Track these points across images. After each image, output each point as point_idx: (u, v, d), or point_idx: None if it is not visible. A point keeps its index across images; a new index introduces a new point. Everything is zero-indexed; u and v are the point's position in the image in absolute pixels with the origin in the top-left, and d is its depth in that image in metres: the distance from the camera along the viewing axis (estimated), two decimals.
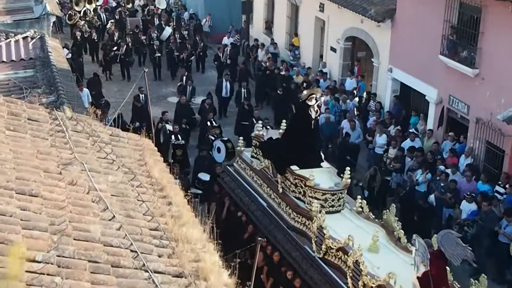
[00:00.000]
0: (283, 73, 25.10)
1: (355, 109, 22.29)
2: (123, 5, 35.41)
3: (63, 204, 6.30)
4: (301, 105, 13.64)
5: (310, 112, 13.41)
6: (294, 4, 28.14)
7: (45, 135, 7.76)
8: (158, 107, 22.72)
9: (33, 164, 6.90)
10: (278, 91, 23.28)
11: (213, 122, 20.87)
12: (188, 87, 24.03)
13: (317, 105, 13.81)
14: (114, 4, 36.67)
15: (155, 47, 28.35)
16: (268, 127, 18.85)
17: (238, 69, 27.50)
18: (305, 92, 13.81)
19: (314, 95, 13.52)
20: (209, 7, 33.77)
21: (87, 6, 32.73)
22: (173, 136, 19.31)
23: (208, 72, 29.37)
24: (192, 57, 28.75)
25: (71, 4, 33.27)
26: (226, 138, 19.36)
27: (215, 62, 28.57)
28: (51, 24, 19.56)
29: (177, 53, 28.06)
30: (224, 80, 24.66)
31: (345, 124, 20.67)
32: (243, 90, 23.75)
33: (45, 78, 13.79)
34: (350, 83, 23.78)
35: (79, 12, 32.41)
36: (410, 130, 19.81)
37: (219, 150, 19.05)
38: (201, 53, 29.22)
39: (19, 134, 7.53)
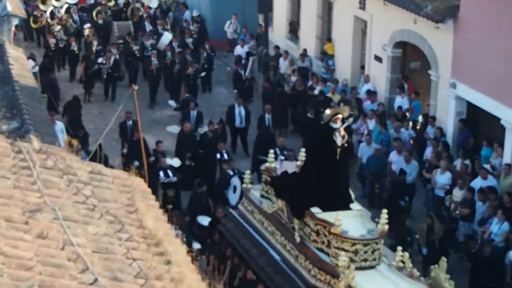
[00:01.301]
0: (316, 92, 25.03)
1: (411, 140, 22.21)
2: (103, 3, 34.78)
3: (30, 263, 6.30)
4: (323, 129, 13.68)
5: (334, 138, 13.45)
6: (326, 0, 28.30)
7: (6, 173, 7.80)
8: (151, 136, 22.81)
9: None
10: (309, 114, 23.30)
11: (224, 155, 20.93)
12: (191, 111, 23.99)
13: (344, 128, 13.84)
14: (92, 0, 35.99)
15: (152, 59, 27.94)
16: (285, 158, 18.82)
17: (253, 86, 27.49)
18: (328, 111, 13.85)
19: (339, 116, 13.56)
20: (215, 4, 33.98)
21: (54, 3, 32.41)
22: (161, 172, 19.35)
23: (216, 89, 29.41)
24: (203, 74, 28.44)
25: (37, 2, 32.96)
26: None
27: (236, 84, 28.02)
28: (13, 28, 19.77)
29: (179, 67, 27.66)
30: (236, 104, 24.25)
31: (394, 157, 20.61)
32: (267, 115, 23.74)
33: (5, 98, 13.90)
34: (401, 103, 23.76)
35: (46, 12, 32.26)
36: (483, 165, 19.70)
37: (235, 189, 19.13)
38: (205, 66, 29.03)
39: None
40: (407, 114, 23.26)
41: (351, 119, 20.71)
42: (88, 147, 20.25)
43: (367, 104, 23.95)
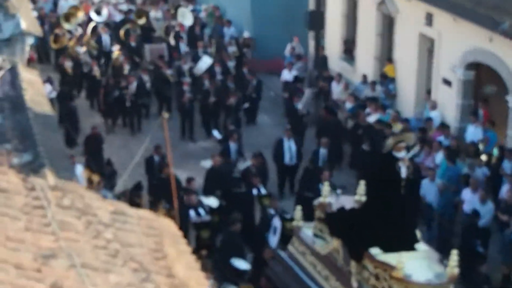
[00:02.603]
0: (371, 120, 24.90)
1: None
2: (132, 19, 34.26)
3: None
4: (385, 159, 13.69)
5: (398, 169, 13.45)
6: (387, 15, 28.33)
7: (17, 213, 7.86)
8: (182, 171, 22.89)
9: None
10: (364, 147, 23.29)
11: (262, 189, 20.97)
12: (230, 144, 23.84)
13: (409, 158, 13.86)
14: (118, 17, 35.88)
15: (184, 87, 27.50)
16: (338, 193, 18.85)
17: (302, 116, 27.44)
18: (390, 140, 13.89)
19: (403, 144, 13.57)
20: (259, 20, 34.04)
21: (67, 24, 32.06)
22: (192, 211, 19.37)
23: (258, 117, 29.48)
24: (246, 105, 28.24)
25: (57, 20, 33.05)
26: (289, 216, 19.48)
27: (290, 118, 27.30)
28: (28, 48, 19.99)
29: (216, 98, 27.22)
30: (286, 137, 23.55)
31: (467, 195, 20.44)
32: (322, 150, 23.38)
33: (17, 127, 14.04)
34: (473, 133, 23.59)
35: (70, 32, 31.99)
36: None
37: (275, 231, 19.21)
38: (253, 95, 28.75)
39: None
40: (480, 146, 23.03)
41: (417, 148, 20.68)
42: (114, 187, 20.33)
43: (439, 139, 23.63)
